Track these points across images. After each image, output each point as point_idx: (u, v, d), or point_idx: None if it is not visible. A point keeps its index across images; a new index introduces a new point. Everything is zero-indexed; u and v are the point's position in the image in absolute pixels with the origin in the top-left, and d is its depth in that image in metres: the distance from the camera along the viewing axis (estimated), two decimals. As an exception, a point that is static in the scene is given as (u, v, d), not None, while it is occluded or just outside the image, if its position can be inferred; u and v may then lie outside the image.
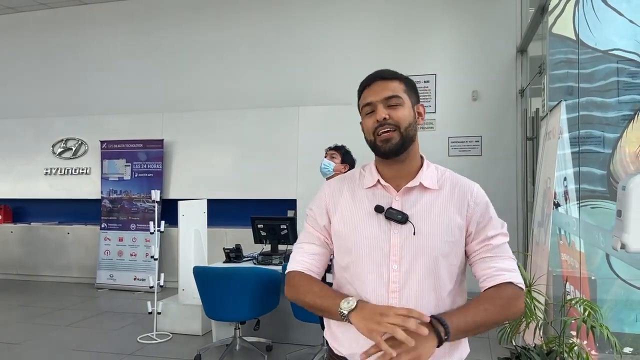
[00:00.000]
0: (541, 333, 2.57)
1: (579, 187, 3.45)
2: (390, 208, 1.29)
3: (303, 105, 6.25)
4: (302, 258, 1.40)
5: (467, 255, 1.35)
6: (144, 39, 7.02)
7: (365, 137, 1.34)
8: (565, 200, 3.76)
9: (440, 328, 1.18)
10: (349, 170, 3.43)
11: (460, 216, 1.30)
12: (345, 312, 1.21)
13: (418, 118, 1.36)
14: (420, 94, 5.71)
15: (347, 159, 3.42)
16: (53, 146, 7.10)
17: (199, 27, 6.84)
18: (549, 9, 4.27)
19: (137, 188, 6.54)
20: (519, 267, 2.73)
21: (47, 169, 7.10)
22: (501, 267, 1.29)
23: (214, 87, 6.71)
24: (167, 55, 6.91)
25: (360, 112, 1.36)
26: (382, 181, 1.34)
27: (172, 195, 6.46)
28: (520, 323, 2.45)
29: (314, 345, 3.89)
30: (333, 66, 6.34)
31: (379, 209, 1.30)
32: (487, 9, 5.94)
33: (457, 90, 6.03)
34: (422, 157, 1.40)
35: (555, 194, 3.71)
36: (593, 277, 3.47)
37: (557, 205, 3.79)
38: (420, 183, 1.32)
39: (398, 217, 1.27)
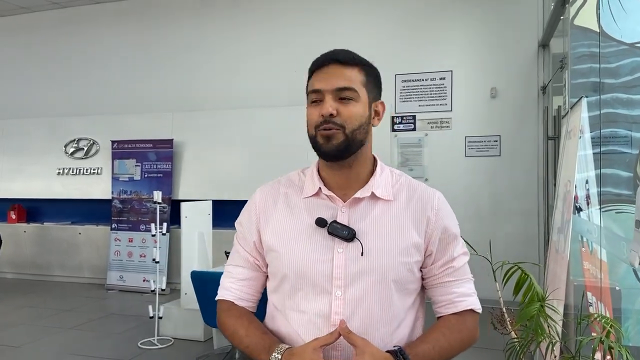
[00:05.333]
0: (555, 353, 2.34)
1: (600, 190, 3.19)
2: (334, 222, 1.08)
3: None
4: (231, 284, 1.21)
5: (423, 277, 1.14)
6: (155, 39, 6.95)
7: (307, 130, 1.12)
8: (587, 204, 3.50)
9: None
10: None
11: (417, 233, 1.09)
12: None
13: (374, 118, 1.14)
14: (435, 92, 5.46)
15: None
16: (65, 146, 7.09)
17: (209, 26, 6.73)
18: (571, 0, 4.00)
19: (147, 188, 6.47)
20: (531, 279, 2.50)
21: (59, 169, 7.09)
22: (463, 292, 1.14)
23: (223, 86, 6.59)
24: (177, 55, 6.82)
25: (307, 98, 1.14)
26: (324, 189, 1.12)
27: (181, 195, 6.37)
28: (531, 342, 2.23)
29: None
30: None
31: (320, 222, 1.08)
32: (506, 1, 5.65)
33: (475, 88, 5.76)
34: (375, 160, 1.18)
35: (577, 197, 3.46)
36: (617, 288, 3.21)
37: (579, 209, 3.54)
38: (372, 193, 1.11)
39: (343, 233, 1.06)
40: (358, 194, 1.11)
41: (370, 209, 1.11)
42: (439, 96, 5.88)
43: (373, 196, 1.12)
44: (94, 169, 6.95)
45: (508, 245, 5.30)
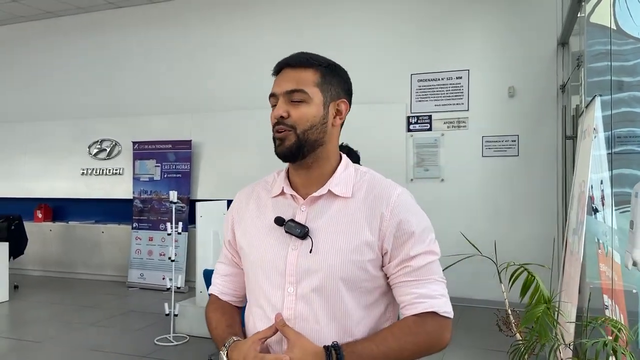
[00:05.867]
0: (562, 356, 2.30)
1: (611, 192, 3.12)
2: (291, 220, 1.12)
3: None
4: (216, 280, 1.30)
5: (387, 276, 1.14)
6: (174, 42, 7.06)
7: None
8: (603, 205, 3.43)
9: (332, 358, 1.01)
10: None
11: (370, 230, 1.09)
12: None
13: (335, 117, 1.15)
14: (452, 91, 5.44)
15: (351, 159, 3.15)
16: (89, 147, 7.29)
17: (226, 29, 6.82)
18: (587, -4, 3.92)
19: (167, 188, 6.57)
20: (537, 282, 2.46)
21: (83, 169, 7.29)
22: (423, 294, 1.09)
23: (240, 87, 6.65)
24: (195, 57, 6.92)
25: None
26: (287, 189, 1.17)
27: (199, 195, 6.48)
28: (535, 344, 2.20)
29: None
30: (362, 63, 6.13)
31: (278, 221, 1.13)
32: (524, -1, 5.58)
33: (492, 87, 5.70)
34: (341, 158, 1.20)
35: (593, 198, 3.40)
36: (634, 291, 3.14)
37: (595, 210, 3.47)
38: (329, 190, 1.13)
39: (297, 232, 1.10)
40: (316, 193, 1.13)
41: (327, 206, 1.13)
42: (456, 95, 5.83)
43: (331, 194, 1.13)
44: (116, 170, 7.12)
45: (526, 246, 5.21)
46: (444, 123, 5.87)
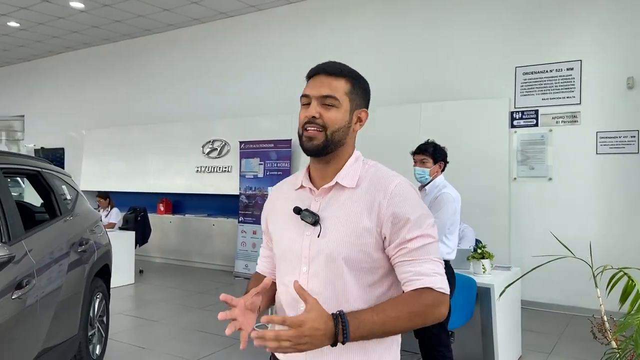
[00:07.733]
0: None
1: None
2: (306, 210, 1.27)
3: (426, 101, 6.03)
4: (259, 260, 1.51)
5: (389, 259, 1.24)
6: (276, 47, 7.43)
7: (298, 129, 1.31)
8: None
9: (339, 323, 1.09)
10: (444, 168, 3.13)
11: (368, 217, 1.21)
12: None
13: (356, 124, 1.30)
14: (561, 84, 5.21)
15: (438, 156, 3.07)
16: (203, 146, 7.94)
17: (321, 31, 7.01)
18: None
19: (269, 185, 6.95)
20: (637, 287, 2.26)
21: (197, 167, 7.96)
22: (419, 272, 1.19)
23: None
24: (295, 61, 7.18)
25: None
26: (304, 182, 1.32)
27: (299, 192, 6.74)
28: (631, 354, 2.03)
29: (414, 352, 3.71)
30: (460, 58, 5.97)
31: (295, 210, 1.28)
32: (647, -20, 5.03)
33: (608, 78, 5.22)
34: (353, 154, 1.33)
35: None
36: None
37: None
38: (336, 182, 1.27)
39: (309, 220, 1.25)
40: (326, 185, 1.28)
41: (337, 197, 1.27)
42: (566, 88, 5.43)
43: (339, 185, 1.27)
44: (225, 167, 7.68)
45: (646, 253, 4.73)
46: (553, 118, 5.50)
